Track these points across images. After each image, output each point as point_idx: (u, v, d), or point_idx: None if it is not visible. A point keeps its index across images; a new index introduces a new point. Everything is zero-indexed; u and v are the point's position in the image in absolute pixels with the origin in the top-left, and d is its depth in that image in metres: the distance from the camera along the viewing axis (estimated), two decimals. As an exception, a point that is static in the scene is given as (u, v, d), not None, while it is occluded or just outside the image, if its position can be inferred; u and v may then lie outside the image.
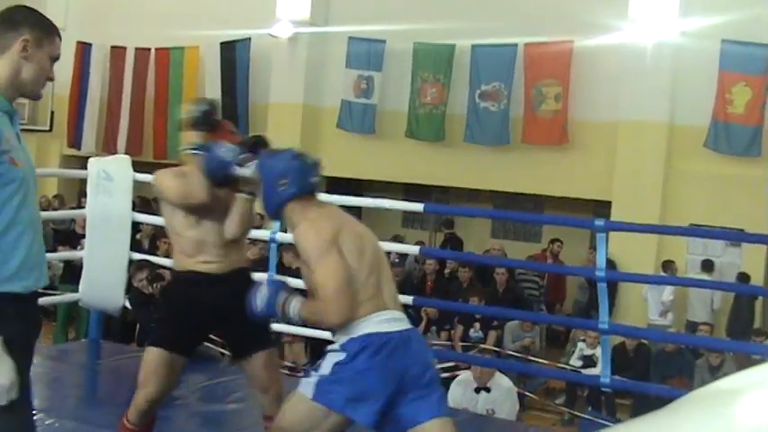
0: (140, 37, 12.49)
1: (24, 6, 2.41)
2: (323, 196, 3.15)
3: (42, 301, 3.42)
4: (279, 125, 11.55)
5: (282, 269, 7.16)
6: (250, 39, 11.87)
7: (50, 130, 13.71)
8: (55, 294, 6.63)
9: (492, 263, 9.26)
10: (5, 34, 2.33)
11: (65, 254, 7.63)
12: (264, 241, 6.24)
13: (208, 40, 12.08)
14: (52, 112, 13.60)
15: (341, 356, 2.81)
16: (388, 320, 2.85)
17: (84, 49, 13.25)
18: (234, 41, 11.96)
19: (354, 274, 2.82)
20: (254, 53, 11.95)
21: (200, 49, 12.35)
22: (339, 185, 11.07)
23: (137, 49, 12.80)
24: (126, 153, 9.51)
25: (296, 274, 7.92)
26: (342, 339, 2.84)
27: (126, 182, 5.24)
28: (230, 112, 11.73)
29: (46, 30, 2.39)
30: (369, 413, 2.78)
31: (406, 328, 2.89)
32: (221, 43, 12.03)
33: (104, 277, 5.45)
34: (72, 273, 7.68)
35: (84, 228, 8.57)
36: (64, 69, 13.24)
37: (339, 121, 11.50)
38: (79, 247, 8.15)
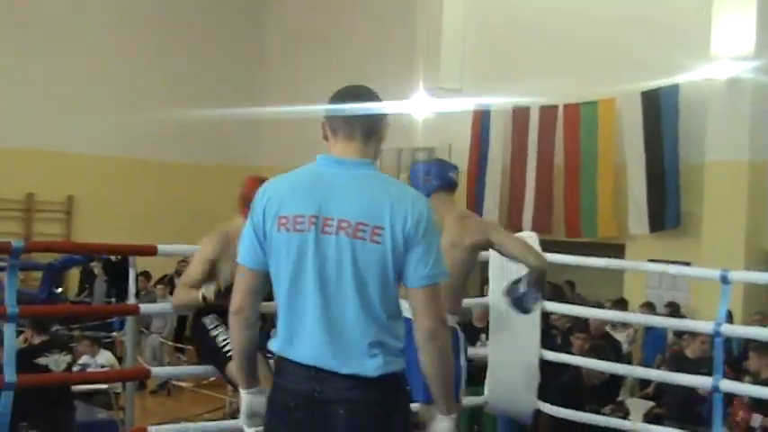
0: (545, 93, 12.65)
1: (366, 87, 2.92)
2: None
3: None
4: (717, 187, 10.99)
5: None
6: (678, 84, 11.52)
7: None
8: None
9: None
10: (380, 117, 2.86)
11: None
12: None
13: (625, 90, 11.90)
14: (451, 187, 14.11)
15: None
16: None
17: (482, 114, 13.78)
18: (658, 89, 11.67)
19: None
20: (683, 101, 11.52)
21: (617, 102, 12.25)
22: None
23: (541, 108, 13.04)
24: (533, 230, 9.57)
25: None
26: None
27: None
28: (656, 172, 11.47)
29: None
30: None
31: None
32: (642, 93, 11.81)
33: (513, 378, 5.54)
34: (471, 372, 7.77)
35: (482, 320, 8.70)
36: (461, 137, 13.92)
37: (798, 181, 10.59)
38: (479, 343, 8.30)
